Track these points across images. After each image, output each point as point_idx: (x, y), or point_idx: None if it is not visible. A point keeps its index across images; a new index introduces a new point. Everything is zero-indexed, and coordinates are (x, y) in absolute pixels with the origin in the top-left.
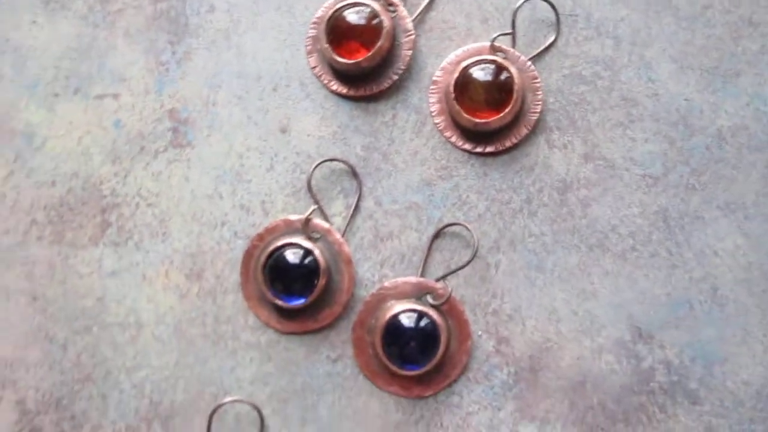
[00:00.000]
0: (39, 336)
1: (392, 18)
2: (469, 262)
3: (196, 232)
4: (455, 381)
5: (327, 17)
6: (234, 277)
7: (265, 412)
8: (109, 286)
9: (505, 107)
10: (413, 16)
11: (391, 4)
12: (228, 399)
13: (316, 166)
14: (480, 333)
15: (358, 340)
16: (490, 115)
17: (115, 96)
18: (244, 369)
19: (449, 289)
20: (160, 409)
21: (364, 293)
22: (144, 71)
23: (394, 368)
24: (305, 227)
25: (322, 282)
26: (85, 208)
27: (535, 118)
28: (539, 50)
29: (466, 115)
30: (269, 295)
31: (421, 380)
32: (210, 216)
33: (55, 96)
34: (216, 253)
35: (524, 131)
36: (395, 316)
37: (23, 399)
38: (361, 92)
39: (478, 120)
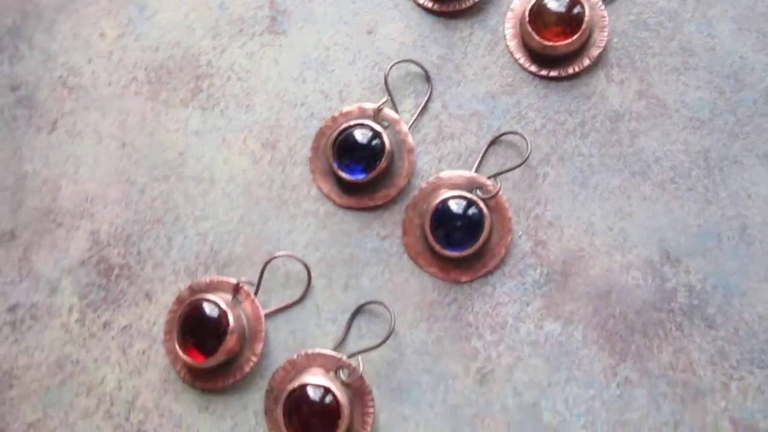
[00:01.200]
0: (121, 178)
1: None
2: (520, 165)
3: (276, 108)
4: (491, 272)
5: None
6: (304, 151)
7: (313, 274)
8: (191, 144)
9: (573, 36)
10: None
11: None
12: (283, 252)
13: (395, 64)
14: (520, 233)
15: (408, 222)
16: (558, 41)
17: None
18: (300, 233)
19: (498, 185)
20: (219, 257)
21: (420, 182)
22: None
23: (438, 248)
24: (376, 115)
25: (384, 163)
26: (181, 74)
27: (599, 52)
28: None
29: (536, 37)
30: (335, 167)
31: (460, 264)
32: (291, 96)
33: None
34: (292, 129)
35: (586, 62)
36: (446, 201)
37: (97, 230)
38: (444, 8)
39: (546, 42)
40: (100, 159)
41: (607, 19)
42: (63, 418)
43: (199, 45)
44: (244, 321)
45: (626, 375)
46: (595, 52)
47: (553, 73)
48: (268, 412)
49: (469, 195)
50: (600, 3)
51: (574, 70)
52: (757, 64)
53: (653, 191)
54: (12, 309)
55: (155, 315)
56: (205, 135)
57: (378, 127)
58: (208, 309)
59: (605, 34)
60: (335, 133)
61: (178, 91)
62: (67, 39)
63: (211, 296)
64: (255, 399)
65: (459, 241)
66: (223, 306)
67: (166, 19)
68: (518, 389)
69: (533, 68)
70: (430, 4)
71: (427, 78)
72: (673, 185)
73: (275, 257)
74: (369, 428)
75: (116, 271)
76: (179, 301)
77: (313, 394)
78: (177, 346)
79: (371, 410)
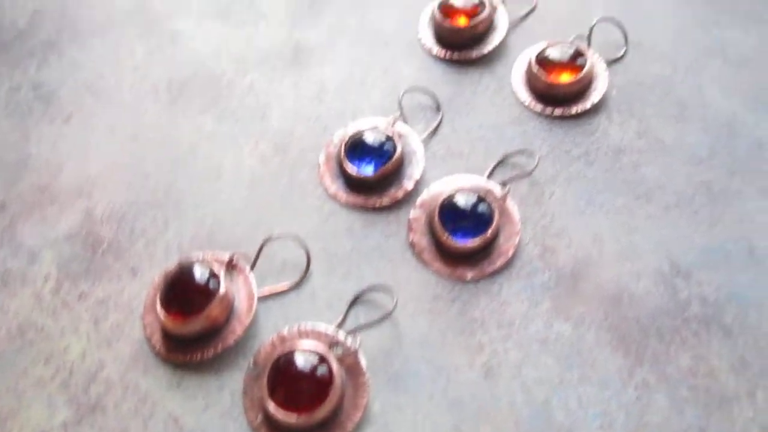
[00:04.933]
0: (127, 164)
1: (494, 10)
2: (530, 173)
3: (291, 120)
4: (498, 272)
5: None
6: (314, 157)
7: (313, 263)
8: (203, 143)
9: (576, 76)
10: (512, 18)
11: (493, 4)
12: (284, 233)
13: (409, 90)
14: (527, 240)
15: (415, 220)
16: (563, 81)
17: (254, 24)
18: (302, 225)
19: (507, 188)
20: (215, 240)
21: (425, 187)
22: (283, 13)
23: (445, 237)
24: (389, 126)
25: (392, 164)
26: (202, 89)
27: (600, 97)
28: (611, 59)
29: (542, 77)
30: (344, 161)
31: (467, 261)
32: (307, 111)
33: (205, 15)
34: (304, 137)
35: (588, 104)
36: (456, 194)
37: (92, 208)
38: (455, 57)
39: (551, 81)
40: (110, 148)
41: (607, 73)
42: (11, 385)
43: (223, 68)
44: (235, 295)
45: (643, 377)
46: (596, 96)
47: (557, 112)
48: (247, 390)
49: (479, 193)
50: (600, 58)
51: (577, 110)
52: (746, 119)
53: (658, 211)
54: None
55: (137, 289)
56: (217, 136)
57: (390, 132)
58: (199, 272)
59: (605, 83)
60: (347, 137)
61: (197, 100)
62: (96, 54)
63: (200, 261)
64: (233, 378)
65: (467, 233)
66: (215, 269)
67: (194, 46)
68: (527, 385)
69: (539, 107)
70: (442, 53)
71: (438, 107)
72: (677, 208)
73: (276, 236)
74: (361, 412)
75: (104, 245)
76: (167, 275)
77: (305, 361)
78: (159, 307)
79: (364, 393)
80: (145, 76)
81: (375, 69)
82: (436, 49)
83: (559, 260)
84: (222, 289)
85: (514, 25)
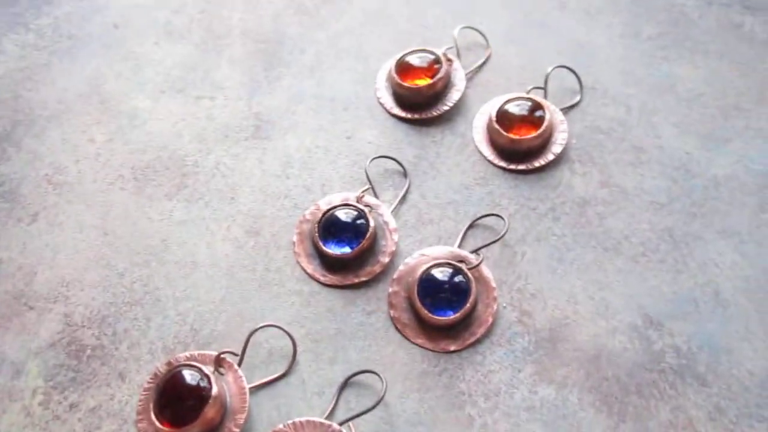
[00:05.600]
0: (100, 263)
1: (450, 65)
2: (500, 238)
3: (260, 200)
4: (480, 341)
5: (398, 59)
6: (288, 237)
7: (299, 349)
8: (175, 232)
9: (537, 131)
10: (467, 71)
11: (449, 59)
12: (268, 323)
13: (375, 158)
14: (505, 305)
15: (394, 295)
16: (524, 136)
17: (212, 98)
18: (284, 311)
19: (481, 256)
20: (199, 336)
21: (403, 260)
22: (239, 84)
23: (425, 314)
24: (359, 200)
25: (367, 240)
26: (167, 172)
27: (561, 149)
28: (566, 105)
29: (504, 133)
30: (320, 244)
31: (448, 334)
32: (275, 189)
33: (161, 92)
34: (275, 218)
35: (551, 156)
36: (432, 269)
37: (71, 313)
38: (415, 116)
39: (514, 137)
40: (80, 246)
41: (565, 122)
42: None
43: (185, 148)
44: (227, 393)
45: None
46: (557, 148)
47: (521, 167)
48: None
49: (454, 263)
50: (557, 109)
51: (540, 163)
52: (701, 158)
53: (626, 264)
54: None
55: (128, 395)
56: (188, 224)
57: (361, 206)
58: (189, 376)
59: (565, 134)
60: (320, 214)
61: (164, 186)
62: (55, 143)
63: (192, 364)
64: None
65: (446, 307)
66: (206, 371)
67: (155, 128)
68: None
69: (502, 163)
70: (402, 114)
71: (404, 173)
72: (645, 258)
73: (260, 327)
74: None
75: (88, 352)
76: (156, 377)
77: None
78: (154, 419)
79: None
80: (107, 163)
81: (338, 136)
82: (397, 110)
83: (537, 323)
84: (215, 390)
85: (469, 78)
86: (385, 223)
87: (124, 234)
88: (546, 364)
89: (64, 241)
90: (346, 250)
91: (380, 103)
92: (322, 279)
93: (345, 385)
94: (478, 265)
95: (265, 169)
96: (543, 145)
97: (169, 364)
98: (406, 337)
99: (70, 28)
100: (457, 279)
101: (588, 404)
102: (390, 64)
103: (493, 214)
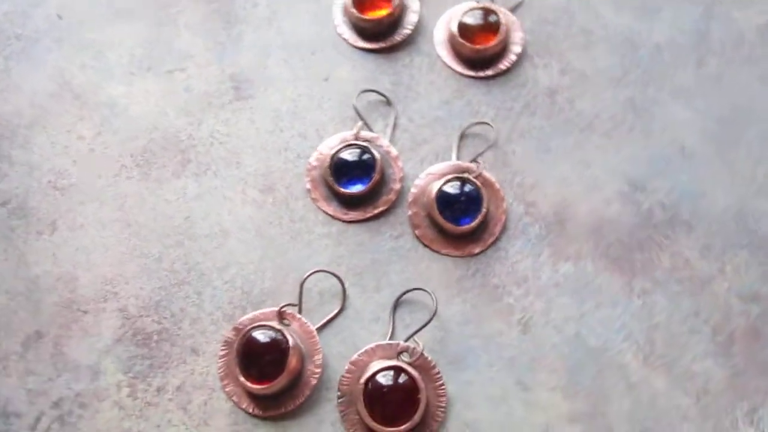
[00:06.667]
0: (134, 254)
1: None
2: (491, 146)
3: (264, 158)
4: (498, 238)
5: None
6: (301, 186)
7: (345, 285)
8: (194, 207)
9: (497, 37)
10: None
11: None
12: (315, 269)
13: (360, 93)
14: (511, 201)
15: (415, 216)
16: (487, 43)
17: (183, 69)
18: (320, 255)
19: (481, 164)
20: (252, 296)
21: (411, 183)
22: (204, 50)
23: (450, 227)
24: (357, 136)
25: (378, 174)
26: (166, 152)
27: (520, 48)
28: (513, 5)
29: (468, 45)
30: (336, 186)
31: (471, 239)
32: (274, 144)
33: (131, 75)
34: (283, 171)
35: (513, 57)
36: (444, 186)
37: (125, 306)
38: (381, 45)
39: (478, 47)
40: (109, 243)
41: (517, 22)
42: None
43: (175, 124)
44: (298, 340)
45: (642, 287)
46: (517, 48)
47: (489, 72)
48: (345, 417)
49: (461, 176)
50: (507, 11)
51: (505, 66)
52: (641, 29)
53: (602, 140)
54: (56, 404)
55: (206, 366)
56: (204, 197)
57: (362, 143)
58: (262, 336)
59: (520, 33)
60: (328, 159)
61: (168, 166)
62: (46, 149)
63: (261, 324)
64: (328, 411)
65: (464, 215)
66: (278, 327)
67: (137, 111)
68: (558, 326)
69: (471, 73)
70: (368, 45)
71: (388, 101)
72: (616, 131)
73: (309, 275)
74: (444, 400)
75: (154, 337)
76: (228, 343)
77: (387, 378)
78: (242, 379)
79: (441, 382)
80: (104, 156)
81: (315, 80)
82: (361, 43)
83: (542, 210)
84: (291, 341)
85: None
86: (387, 152)
87: (147, 221)
88: (559, 244)
89: (92, 241)
90: (360, 186)
91: (344, 39)
92: (344, 217)
93: (396, 306)
94: (481, 172)
95: (258, 127)
96: (504, 47)
97: (236, 330)
98: (435, 251)
99: (13, 28)
100: (467, 189)
101: (602, 269)
102: (344, 1)
103: (478, 123)
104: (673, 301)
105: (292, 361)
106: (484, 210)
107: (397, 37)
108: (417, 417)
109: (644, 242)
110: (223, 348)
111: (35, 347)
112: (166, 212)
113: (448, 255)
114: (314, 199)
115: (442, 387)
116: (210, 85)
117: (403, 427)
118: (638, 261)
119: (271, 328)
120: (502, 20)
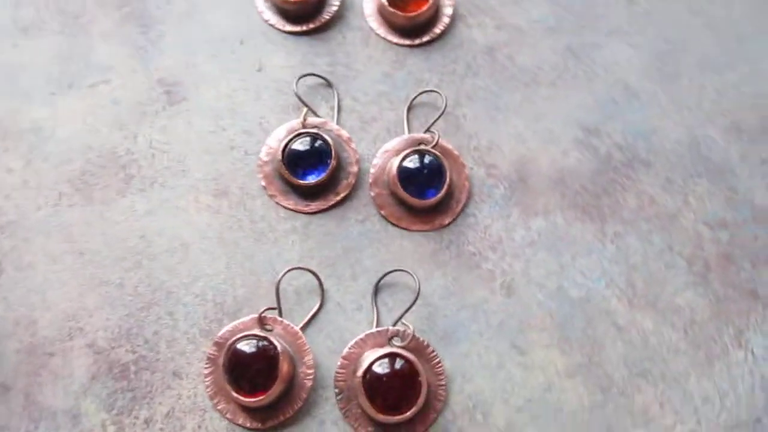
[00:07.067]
0: (93, 284)
1: None
2: (443, 112)
3: (210, 161)
4: (466, 205)
5: None
6: (255, 184)
7: (320, 278)
8: (147, 224)
9: (427, 2)
10: None
11: None
12: (288, 268)
13: (299, 78)
14: (472, 166)
15: (378, 197)
16: (418, 9)
17: (106, 81)
18: (288, 252)
19: (436, 134)
20: (226, 307)
21: (368, 164)
22: (125, 57)
23: (416, 202)
24: (304, 124)
25: (333, 161)
26: (105, 171)
27: (451, 10)
28: None
29: (401, 14)
30: (293, 179)
31: (439, 210)
32: (219, 145)
33: (52, 95)
34: (234, 171)
35: (446, 20)
36: (402, 161)
37: (93, 341)
38: (310, 26)
39: (410, 14)
40: (63, 277)
41: None
42: None
43: (110, 140)
44: (285, 343)
45: (613, 230)
46: (449, 10)
47: (425, 39)
48: (347, 413)
49: (418, 148)
50: None
51: (440, 29)
52: None
53: (549, 91)
54: None
55: (192, 387)
56: (156, 212)
57: (310, 130)
58: (248, 346)
59: None
60: (279, 151)
61: (111, 186)
62: None
63: (243, 334)
64: (327, 410)
65: (429, 188)
66: (261, 334)
67: (66, 132)
68: (540, 284)
69: (407, 41)
70: (297, 28)
71: (328, 83)
72: (561, 80)
73: (282, 275)
74: (443, 378)
75: (132, 367)
76: (212, 360)
77: (384, 366)
78: (234, 394)
79: (437, 360)
80: (39, 187)
81: (248, 72)
82: (290, 27)
83: (503, 170)
84: (279, 347)
85: None
86: (338, 135)
87: (100, 246)
88: (526, 202)
89: (44, 278)
90: (317, 175)
91: (271, 25)
92: (307, 209)
93: (376, 291)
94: (437, 142)
95: (198, 130)
96: (436, 11)
97: (217, 344)
98: (405, 228)
99: None
100: (427, 160)
101: (573, 219)
102: None
103: (424, 91)
104: (645, 240)
105: (284, 367)
106: (447, 179)
107: (326, 16)
108: (420, 400)
109: (608, 186)
110: (207, 366)
111: (4, 401)
112: (118, 234)
113: (418, 230)
114: (272, 196)
115: (439, 365)
116: (139, 93)
117: (408, 413)
118: (605, 206)
119: (255, 336)
120: None
